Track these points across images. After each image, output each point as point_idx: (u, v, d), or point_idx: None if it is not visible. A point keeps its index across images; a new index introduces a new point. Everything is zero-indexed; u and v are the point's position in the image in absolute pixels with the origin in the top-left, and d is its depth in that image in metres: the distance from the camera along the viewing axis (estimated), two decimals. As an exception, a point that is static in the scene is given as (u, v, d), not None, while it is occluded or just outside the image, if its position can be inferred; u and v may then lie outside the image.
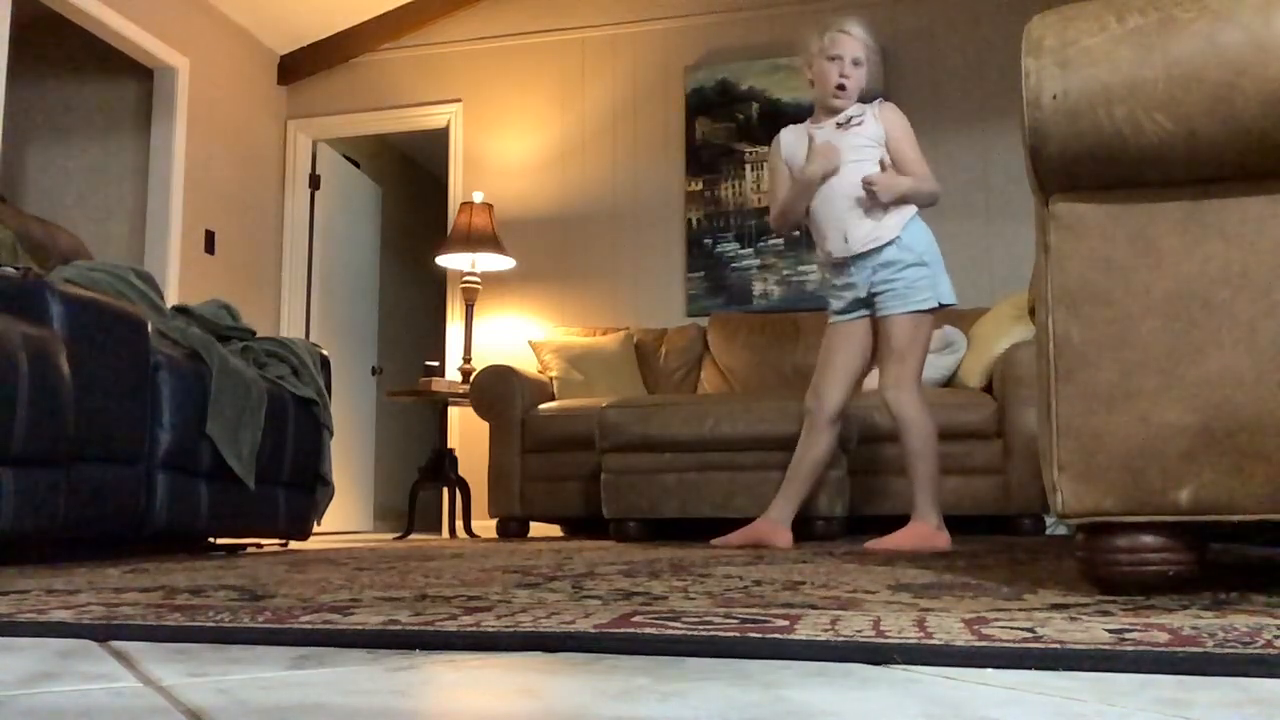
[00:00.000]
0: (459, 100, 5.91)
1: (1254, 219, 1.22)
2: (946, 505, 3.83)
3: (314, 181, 6.25)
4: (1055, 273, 1.30)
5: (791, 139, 2.99)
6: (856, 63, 2.86)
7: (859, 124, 2.85)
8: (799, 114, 5.34)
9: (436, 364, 5.56)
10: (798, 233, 4.60)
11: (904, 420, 2.78)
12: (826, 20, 2.98)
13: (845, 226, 2.84)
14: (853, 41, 2.86)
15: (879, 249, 2.82)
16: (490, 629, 1.00)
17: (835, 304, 2.97)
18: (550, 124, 5.77)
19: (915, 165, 2.88)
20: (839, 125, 2.89)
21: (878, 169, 2.84)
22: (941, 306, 2.88)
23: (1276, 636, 0.88)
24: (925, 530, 2.70)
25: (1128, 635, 0.90)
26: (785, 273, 5.21)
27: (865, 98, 2.92)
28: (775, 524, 2.90)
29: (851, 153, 2.85)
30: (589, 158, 5.68)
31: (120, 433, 2.60)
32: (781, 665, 0.84)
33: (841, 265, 2.89)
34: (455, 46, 5.94)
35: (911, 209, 2.87)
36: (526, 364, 4.94)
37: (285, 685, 0.77)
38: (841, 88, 2.85)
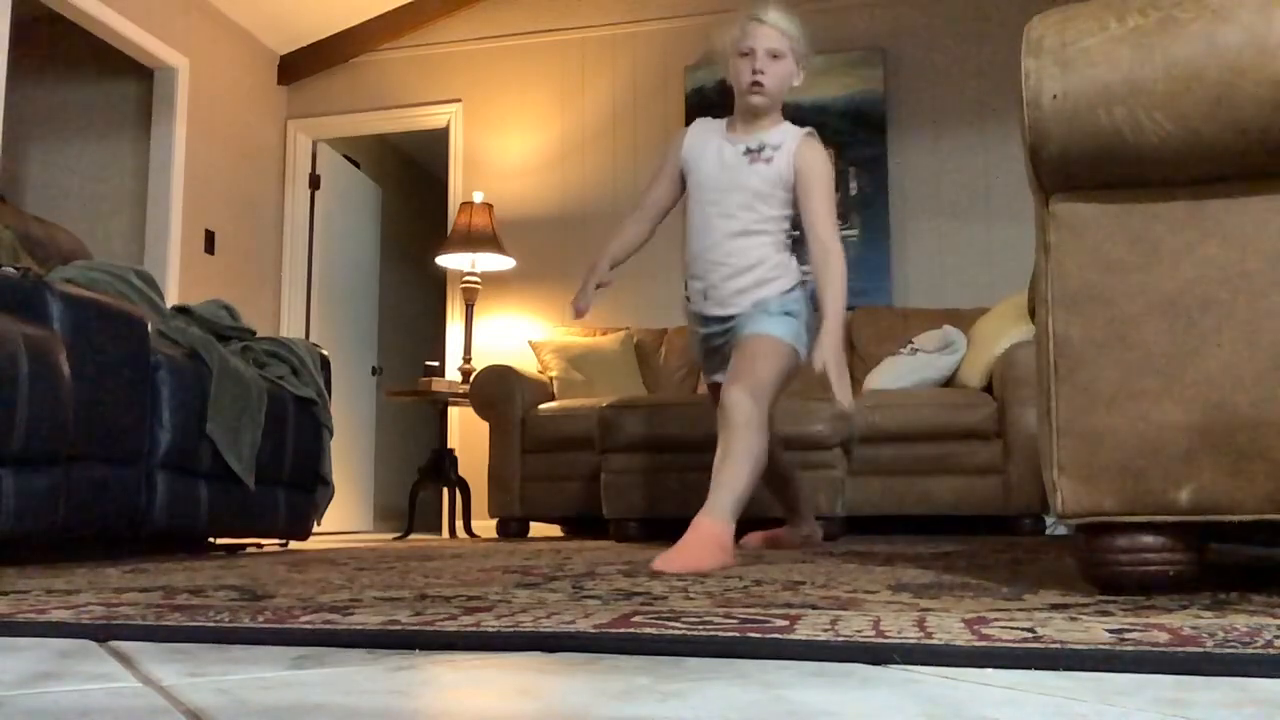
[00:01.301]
0: (459, 100, 5.91)
1: (1254, 219, 1.22)
2: (946, 505, 3.85)
3: (314, 181, 6.25)
4: (1055, 273, 1.30)
5: (699, 139, 2.50)
6: (774, 55, 2.37)
7: (768, 160, 2.38)
8: (799, 114, 5.36)
9: (436, 364, 5.56)
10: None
11: (731, 424, 2.16)
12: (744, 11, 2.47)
13: (709, 281, 2.43)
14: (768, 31, 2.37)
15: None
16: (490, 629, 1.00)
17: (705, 361, 2.60)
18: (550, 124, 5.76)
19: (821, 221, 2.34)
20: (748, 152, 2.40)
21: (773, 214, 2.40)
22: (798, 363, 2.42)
23: (1276, 636, 0.88)
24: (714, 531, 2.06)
25: (1128, 635, 0.90)
26: (785, 273, 5.21)
27: (792, 117, 2.50)
28: (807, 533, 2.84)
29: (741, 193, 2.39)
30: (589, 158, 5.68)
31: (120, 433, 2.60)
32: (781, 665, 0.84)
33: (697, 315, 2.51)
34: (455, 46, 5.94)
35: (797, 277, 2.43)
36: (526, 364, 4.94)
37: (285, 685, 0.77)
38: (757, 85, 2.36)
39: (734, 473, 2.10)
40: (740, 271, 2.39)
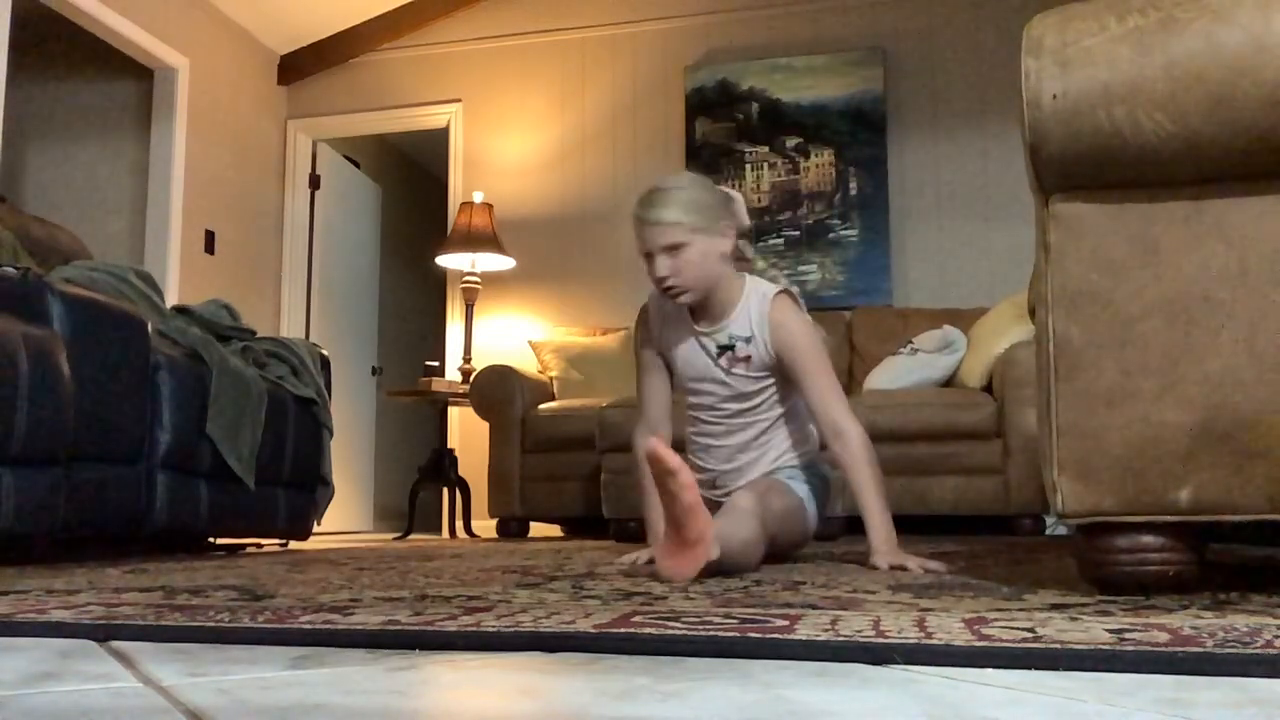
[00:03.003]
0: (459, 100, 5.92)
1: (1254, 219, 1.22)
2: (946, 505, 3.85)
3: (314, 181, 6.25)
4: (1055, 273, 1.30)
5: (666, 326, 2.24)
6: (673, 249, 2.03)
7: (746, 357, 2.14)
8: (799, 114, 5.38)
9: (436, 364, 5.56)
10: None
11: None
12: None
13: (714, 475, 2.25)
14: (655, 230, 2.03)
15: None
16: (490, 629, 1.00)
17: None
18: (550, 124, 5.77)
19: (823, 400, 2.08)
20: (721, 351, 2.16)
21: (766, 396, 2.18)
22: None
23: (1276, 636, 0.88)
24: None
25: (1128, 635, 0.90)
26: (785, 272, 5.21)
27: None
28: None
29: (728, 394, 2.18)
30: (589, 158, 5.68)
31: (120, 433, 2.60)
32: (781, 665, 0.84)
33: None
34: (455, 46, 5.94)
35: (810, 445, 2.25)
36: (526, 364, 4.94)
37: (285, 685, 0.77)
38: (668, 288, 2.07)
39: (728, 526, 1.75)
40: (745, 467, 2.21)
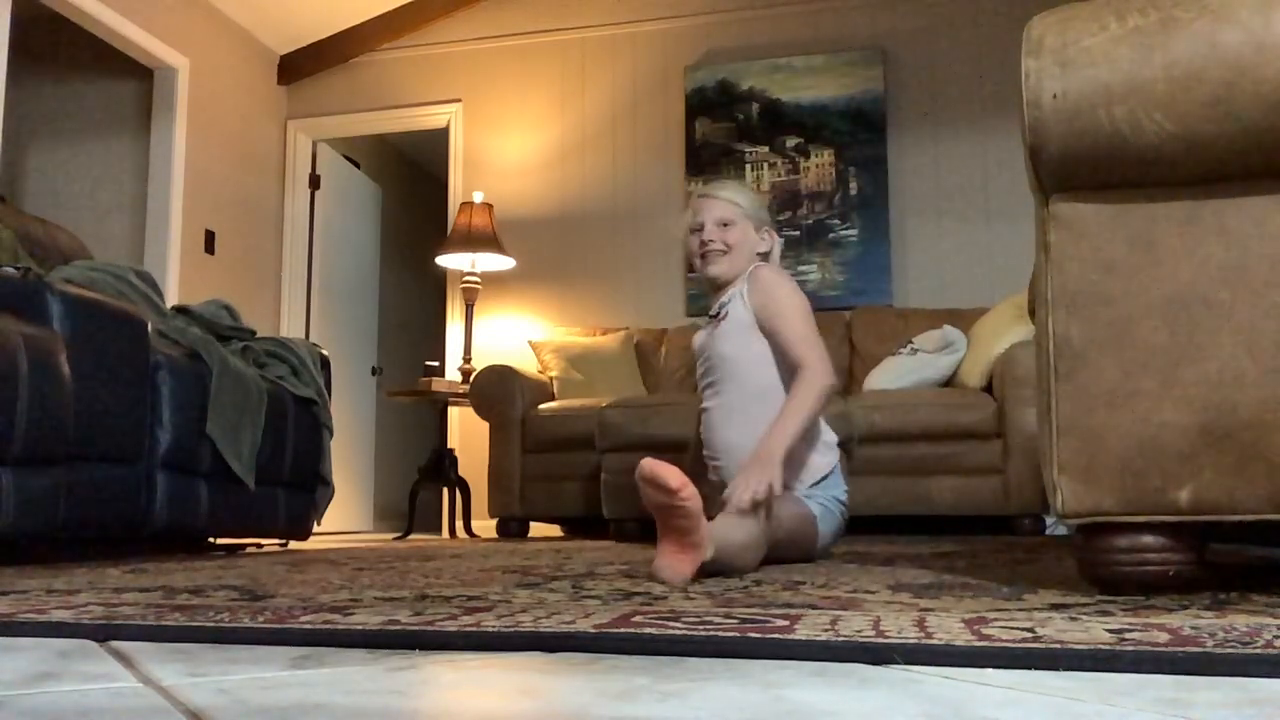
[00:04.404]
0: (459, 100, 5.92)
1: (1254, 219, 1.22)
2: (946, 505, 3.85)
3: (314, 181, 6.25)
4: (1055, 273, 1.30)
5: (700, 341, 2.46)
6: (724, 223, 2.32)
7: (725, 315, 2.31)
8: (799, 114, 5.39)
9: (436, 364, 5.56)
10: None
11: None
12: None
13: (720, 461, 2.30)
14: (713, 203, 2.34)
15: None
16: (490, 629, 1.00)
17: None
18: (550, 124, 5.77)
19: (795, 344, 2.17)
20: (711, 319, 2.38)
21: (767, 376, 2.24)
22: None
23: (1276, 636, 0.88)
24: None
25: (1128, 635, 0.90)
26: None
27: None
28: None
29: (720, 364, 2.31)
30: (589, 158, 5.68)
31: (120, 433, 2.60)
32: (781, 665, 0.84)
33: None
34: (455, 46, 5.94)
35: (827, 466, 2.22)
36: (526, 364, 4.94)
37: (285, 685, 0.77)
38: (706, 255, 2.33)
39: (726, 527, 1.74)
40: (736, 449, 2.21)
